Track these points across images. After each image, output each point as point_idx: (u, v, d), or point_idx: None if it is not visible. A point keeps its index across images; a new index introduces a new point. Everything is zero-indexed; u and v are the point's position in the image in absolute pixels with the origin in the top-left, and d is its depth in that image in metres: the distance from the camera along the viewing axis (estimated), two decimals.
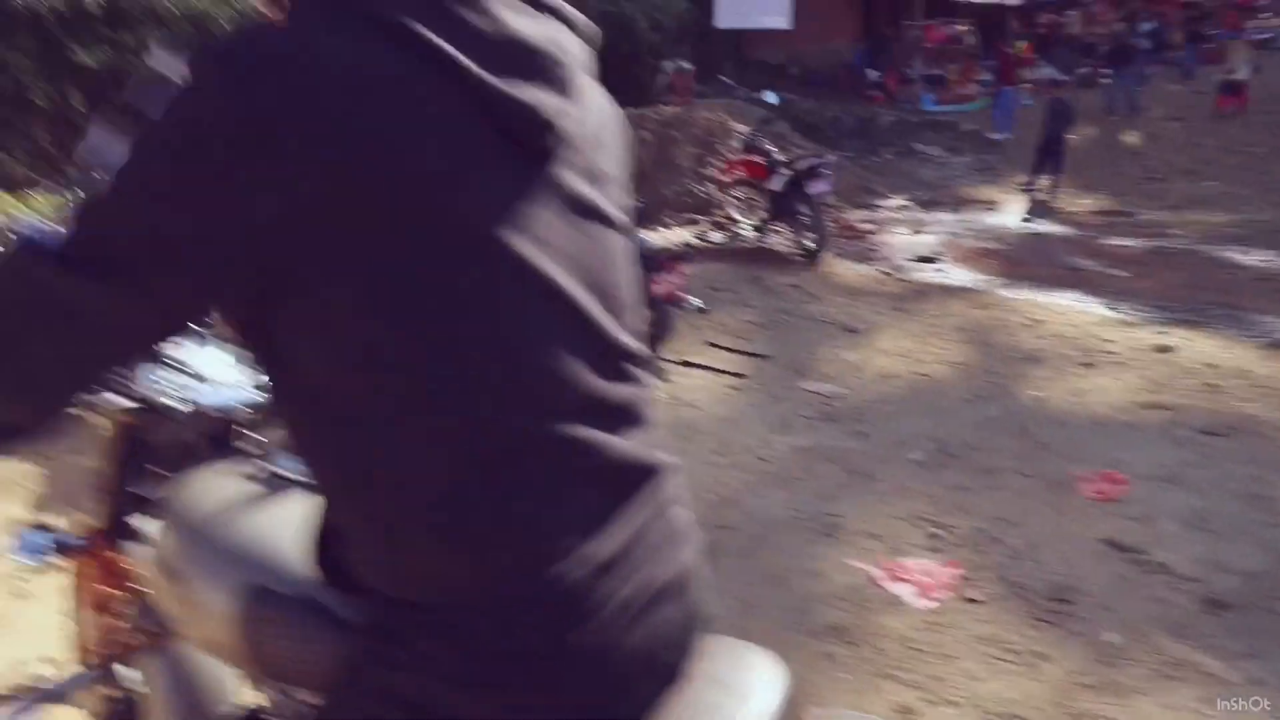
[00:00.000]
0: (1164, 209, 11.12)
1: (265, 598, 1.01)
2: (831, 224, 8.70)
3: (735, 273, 7.16)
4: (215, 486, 1.18)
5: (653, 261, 5.07)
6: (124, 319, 0.74)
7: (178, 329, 0.82)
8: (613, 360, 0.83)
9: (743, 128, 10.02)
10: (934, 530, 3.19)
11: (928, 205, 11.12)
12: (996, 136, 15.32)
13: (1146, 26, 17.95)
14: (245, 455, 1.27)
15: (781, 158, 8.48)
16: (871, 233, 9.52)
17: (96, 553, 1.37)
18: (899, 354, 5.32)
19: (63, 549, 1.39)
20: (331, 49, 0.70)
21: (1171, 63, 18.89)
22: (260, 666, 1.06)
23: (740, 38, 19.03)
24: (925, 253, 8.62)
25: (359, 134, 0.68)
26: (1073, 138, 11.88)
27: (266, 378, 0.83)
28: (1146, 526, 3.22)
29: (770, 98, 9.77)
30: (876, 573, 2.89)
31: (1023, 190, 11.66)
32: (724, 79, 15.47)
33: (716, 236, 8.57)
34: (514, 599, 0.76)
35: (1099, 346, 5.51)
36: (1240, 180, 12.45)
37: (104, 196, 0.71)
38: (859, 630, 2.59)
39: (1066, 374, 5.00)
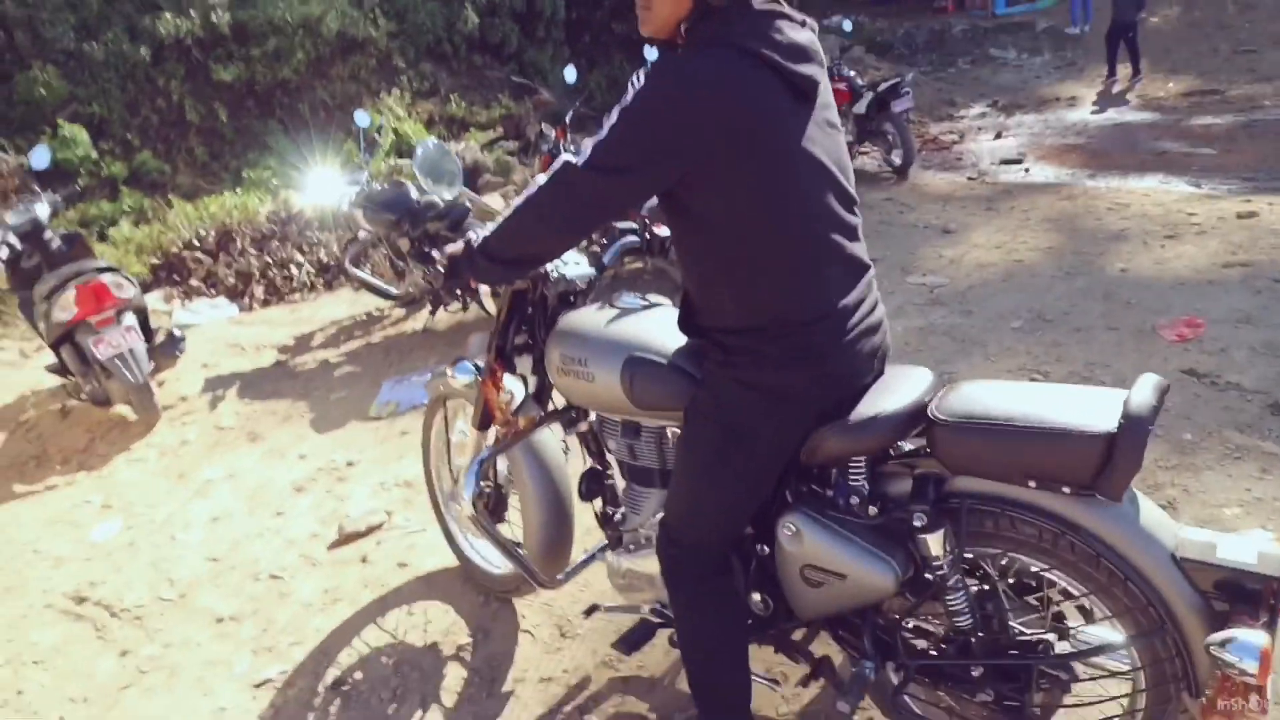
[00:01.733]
0: (1256, 81, 11.08)
1: (638, 363, 1.89)
2: (916, 139, 9.15)
3: None
4: (584, 315, 2.12)
5: None
6: (614, 198, 1.61)
7: (640, 204, 1.72)
8: (848, 203, 1.64)
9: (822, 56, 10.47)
10: (1035, 376, 3.85)
11: (1008, 109, 11.38)
12: (1074, 30, 15.19)
13: None
14: (589, 304, 2.20)
15: (862, 81, 8.97)
16: (956, 142, 9.92)
17: (494, 375, 2.26)
18: (993, 247, 5.89)
19: (478, 371, 2.38)
20: (722, 66, 1.49)
21: None
22: (637, 404, 1.90)
23: None
24: (1010, 155, 9.01)
25: (740, 110, 1.49)
26: (1151, 18, 11.85)
27: (671, 229, 1.65)
28: (1221, 357, 3.80)
29: (845, 24, 10.17)
30: None
31: (1105, 83, 11.76)
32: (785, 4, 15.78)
33: None
34: (814, 320, 1.58)
35: (1183, 220, 5.95)
36: None
37: (610, 137, 1.54)
38: None
39: (1152, 246, 5.49)
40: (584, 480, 2.23)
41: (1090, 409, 1.48)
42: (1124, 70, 11.98)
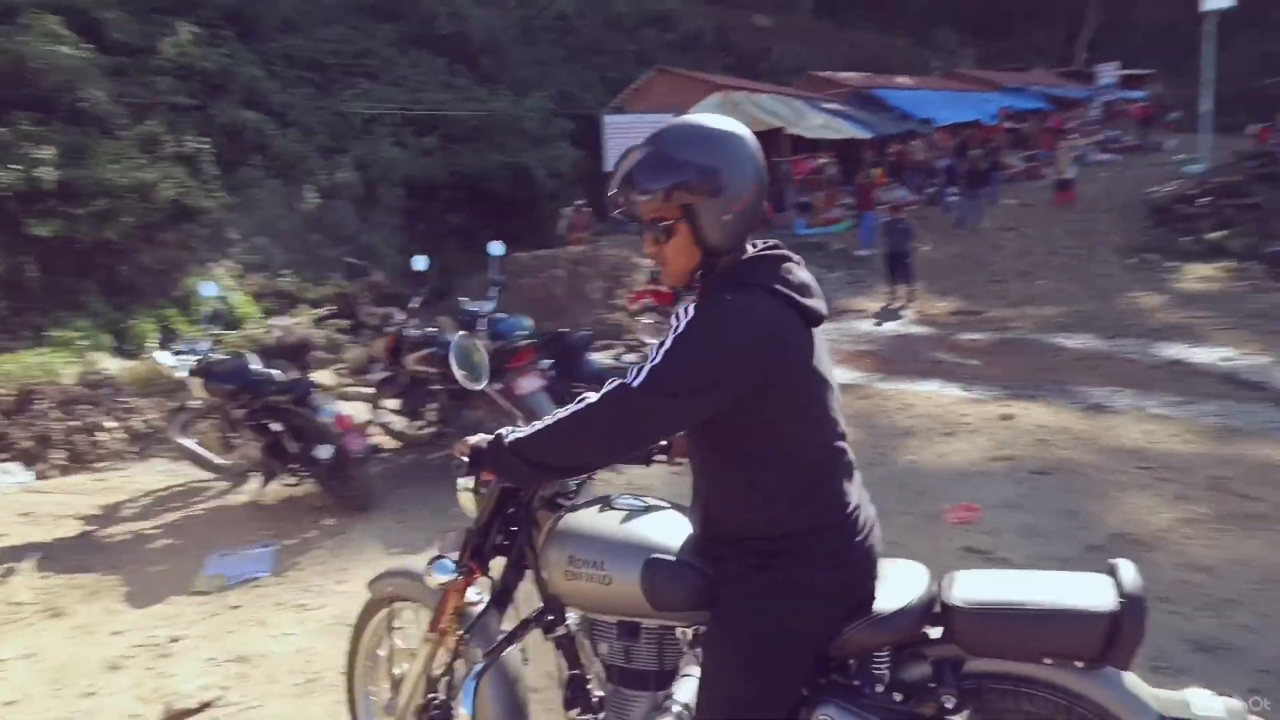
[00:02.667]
0: (1006, 306, 12.98)
1: (659, 564, 1.92)
2: None
3: None
4: (589, 516, 2.10)
5: (605, 376, 6.19)
6: (665, 420, 1.78)
7: (681, 430, 1.90)
8: (841, 417, 1.93)
9: (646, 261, 11.41)
10: None
11: None
12: (862, 253, 17.33)
13: (944, 163, 20.65)
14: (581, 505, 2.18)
15: None
16: None
17: (469, 576, 2.14)
18: None
19: (454, 572, 2.12)
20: (758, 304, 1.77)
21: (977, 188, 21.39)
22: (655, 606, 1.91)
23: None
24: None
25: (778, 340, 1.77)
26: (923, 248, 13.80)
27: (700, 449, 1.87)
28: (995, 537, 4.41)
29: None
30: None
31: (886, 300, 13.43)
32: (618, 217, 17.10)
33: (631, 358, 9.77)
34: (839, 522, 1.85)
35: (957, 419, 6.85)
36: (1065, 278, 14.59)
37: (665, 362, 1.71)
38: None
39: (934, 441, 6.29)
40: (569, 687, 2.09)
41: (1087, 591, 1.71)
42: (900, 290, 13.74)
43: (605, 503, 2.13)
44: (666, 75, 23.49)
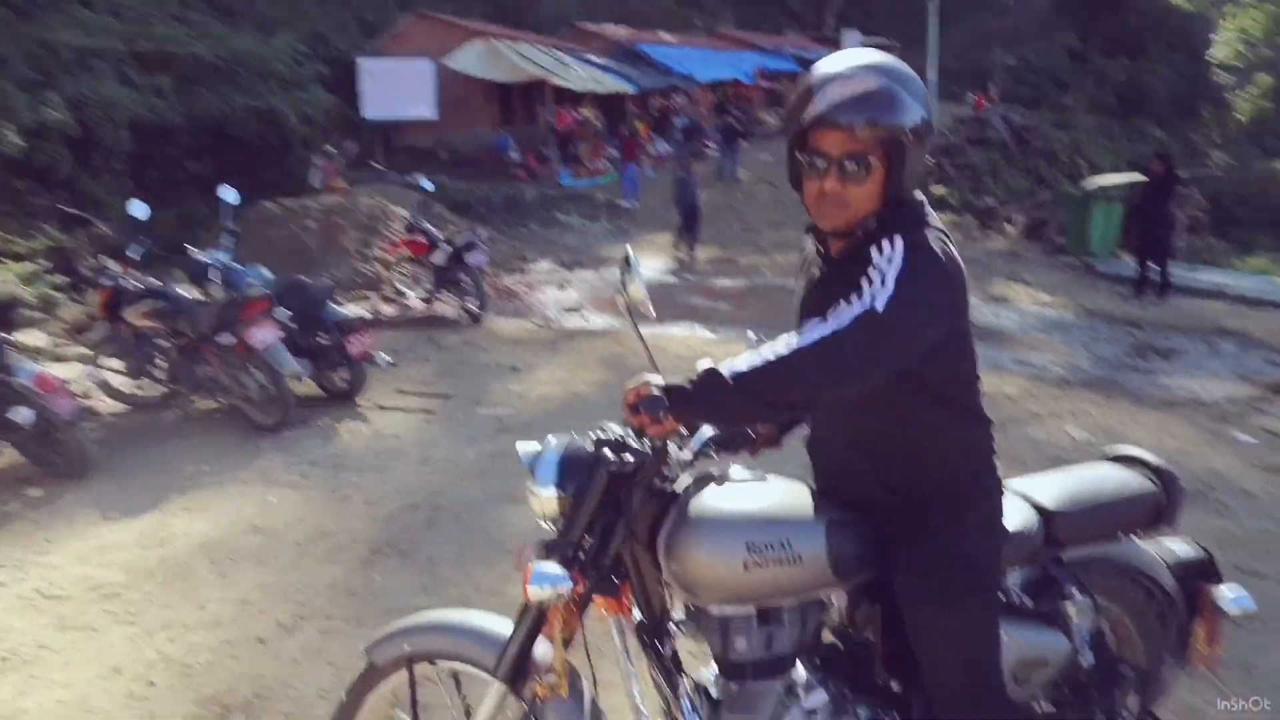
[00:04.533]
0: (757, 253, 13.80)
1: (839, 528, 1.80)
2: (490, 289, 10.00)
3: (413, 337, 8.20)
4: (725, 496, 1.85)
5: (347, 326, 6.01)
6: (902, 352, 1.64)
7: (905, 364, 1.68)
8: None
9: (403, 211, 11.09)
10: None
11: (572, 266, 12.85)
12: (626, 205, 17.72)
13: (682, 121, 21.46)
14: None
15: (441, 235, 9.67)
16: (525, 293, 10.98)
17: (578, 597, 1.75)
18: (555, 382, 6.67)
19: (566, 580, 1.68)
20: (949, 246, 1.72)
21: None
22: (841, 574, 1.81)
23: (389, 126, 20.18)
24: (571, 305, 10.22)
25: (965, 283, 1.73)
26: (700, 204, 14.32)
27: (887, 390, 1.71)
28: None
29: (426, 184, 10.89)
30: None
31: (676, 252, 13.67)
32: (375, 165, 16.46)
33: (388, 309, 9.51)
34: (994, 457, 1.90)
35: (701, 355, 7.23)
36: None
37: (903, 290, 1.59)
38: None
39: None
40: (675, 707, 1.87)
41: (1126, 479, 2.15)
42: (669, 238, 14.21)
43: (718, 480, 1.87)
44: (426, 20, 22.68)
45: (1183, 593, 2.14)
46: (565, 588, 1.64)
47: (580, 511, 1.74)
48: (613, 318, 9.55)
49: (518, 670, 1.78)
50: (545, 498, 1.77)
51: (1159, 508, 2.12)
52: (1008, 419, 5.79)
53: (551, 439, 1.86)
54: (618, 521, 1.75)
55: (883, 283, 1.60)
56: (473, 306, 9.14)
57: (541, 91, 21.12)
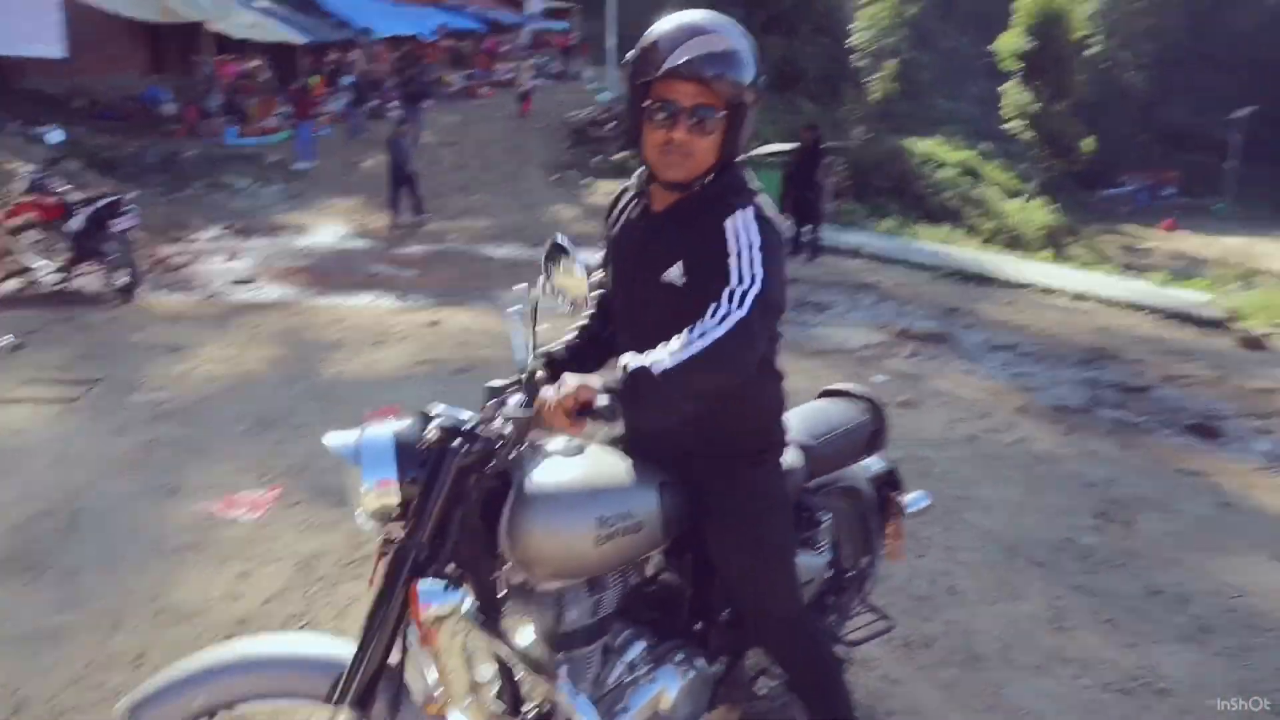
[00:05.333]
0: (444, 219, 13.53)
1: (668, 489, 1.85)
2: (145, 259, 8.95)
3: (45, 316, 7.17)
4: (561, 469, 1.77)
5: None
6: (765, 339, 1.72)
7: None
8: None
9: (28, 167, 9.56)
10: (260, 473, 4.17)
11: (243, 233, 11.84)
12: (301, 166, 16.57)
13: (349, 80, 20.62)
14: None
15: (78, 196, 8.46)
16: (189, 264, 9.96)
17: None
18: (222, 360, 6.13)
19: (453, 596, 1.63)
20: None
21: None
22: (669, 533, 1.85)
23: (6, 65, 17.15)
24: (242, 276, 9.42)
25: None
26: (365, 162, 13.64)
27: None
28: None
29: (54, 136, 9.45)
30: (215, 508, 3.78)
31: (396, 219, 12.87)
32: None
33: (11, 284, 8.17)
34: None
35: (388, 329, 7.02)
36: (498, 192, 15.68)
37: (770, 277, 1.67)
38: (206, 541, 3.48)
39: (362, 352, 6.37)
40: (510, 685, 1.79)
41: (848, 410, 2.41)
42: (350, 202, 13.48)
43: (544, 453, 1.78)
44: None
45: (877, 499, 2.51)
46: (458, 601, 1.58)
47: (427, 508, 1.58)
48: (289, 287, 8.95)
49: (368, 693, 1.61)
50: (380, 492, 1.58)
51: (874, 434, 2.43)
52: None
53: (374, 426, 1.66)
54: (456, 512, 1.62)
55: (751, 262, 1.69)
56: (122, 280, 8.12)
57: (197, 38, 19.04)
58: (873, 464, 2.53)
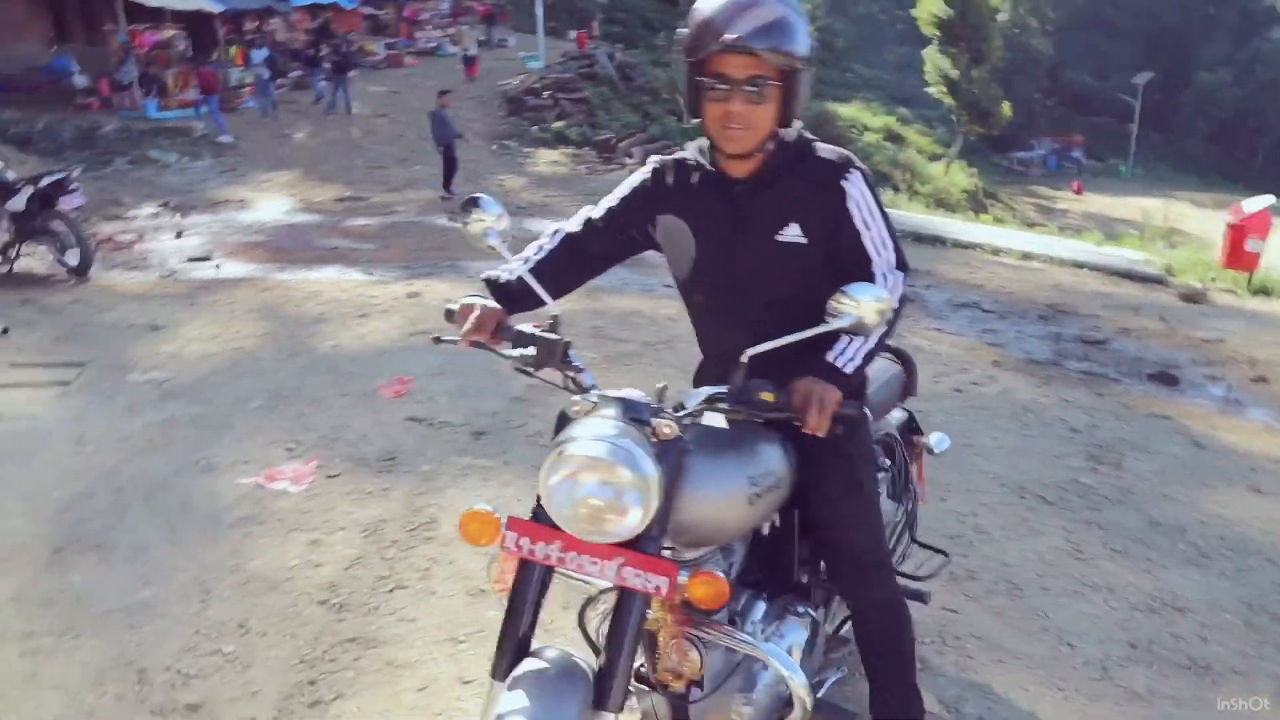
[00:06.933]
0: (388, 191, 13.33)
1: (754, 480, 1.75)
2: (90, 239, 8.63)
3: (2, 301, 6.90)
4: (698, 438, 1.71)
5: None
6: None
7: None
8: None
9: None
10: (289, 446, 4.17)
11: (182, 210, 11.48)
12: (224, 140, 16.01)
13: (260, 55, 19.92)
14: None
15: (11, 175, 8.10)
16: (136, 242, 9.64)
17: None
18: (209, 338, 6.02)
19: None
20: None
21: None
22: (751, 525, 1.84)
23: None
24: (197, 254, 9.16)
25: None
26: (297, 135, 13.34)
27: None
28: (431, 404, 4.69)
29: None
30: (260, 480, 3.78)
31: (445, 199, 12.52)
32: None
33: None
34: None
35: (368, 302, 6.97)
36: (438, 164, 15.45)
37: (894, 238, 1.90)
38: (263, 513, 3.50)
39: (350, 325, 6.33)
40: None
41: (883, 363, 2.44)
42: (288, 176, 13.14)
43: (695, 414, 1.67)
44: None
45: (903, 444, 2.64)
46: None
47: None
48: (250, 263, 8.76)
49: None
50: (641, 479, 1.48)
51: (906, 383, 2.56)
52: (674, 336, 6.37)
53: (599, 422, 1.55)
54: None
55: (881, 231, 1.87)
56: (73, 260, 7.84)
57: (109, 5, 18.13)
58: (895, 412, 2.68)
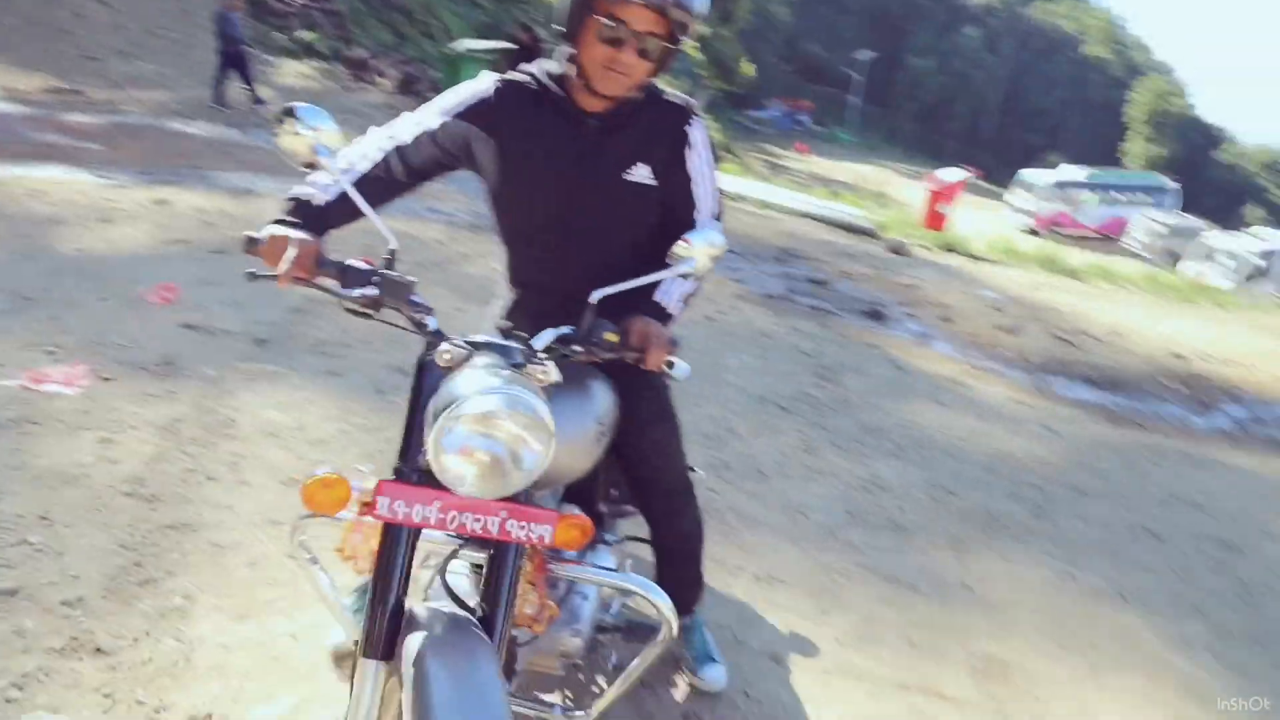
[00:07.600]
0: (110, 87, 12.01)
1: (600, 419, 1.83)
2: None
3: None
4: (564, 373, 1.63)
5: None
6: None
7: None
8: None
9: None
10: (50, 349, 3.93)
11: None
12: None
13: None
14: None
15: None
16: None
17: None
18: None
19: None
20: None
21: None
22: (593, 463, 1.85)
23: None
24: None
25: None
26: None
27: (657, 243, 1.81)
28: (206, 311, 4.58)
29: None
30: (25, 383, 3.57)
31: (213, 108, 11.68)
32: None
33: None
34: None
35: (110, 206, 6.45)
36: (168, 63, 14.08)
37: (719, 199, 2.01)
38: (38, 414, 3.34)
39: (93, 229, 5.87)
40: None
41: None
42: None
43: (566, 356, 1.61)
44: None
45: None
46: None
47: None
48: None
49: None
50: (543, 427, 1.41)
51: None
52: (444, 259, 6.52)
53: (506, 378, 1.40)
54: None
55: (713, 182, 1.96)
56: None
57: None
58: None
